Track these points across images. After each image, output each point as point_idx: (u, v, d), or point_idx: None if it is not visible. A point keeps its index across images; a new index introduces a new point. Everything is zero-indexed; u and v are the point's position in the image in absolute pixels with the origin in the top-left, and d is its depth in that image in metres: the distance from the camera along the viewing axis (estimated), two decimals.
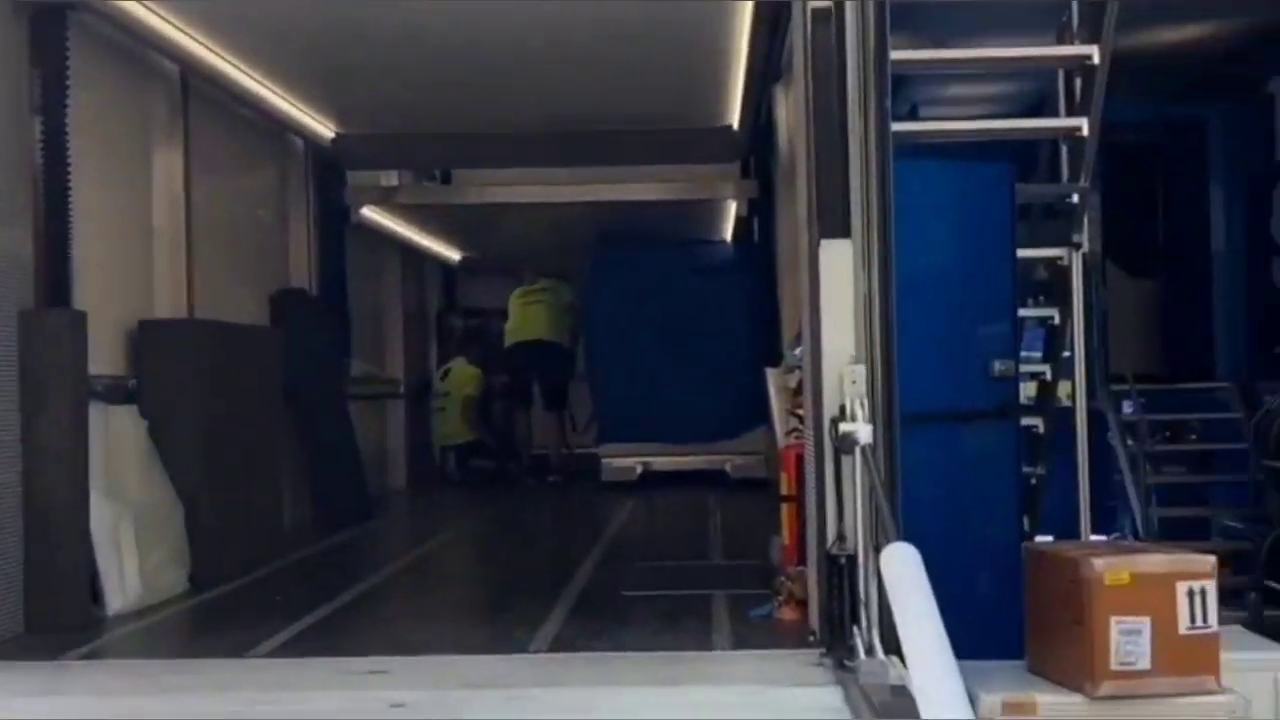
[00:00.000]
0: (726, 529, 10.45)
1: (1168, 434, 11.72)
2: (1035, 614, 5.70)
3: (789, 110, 9.29)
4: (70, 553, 6.63)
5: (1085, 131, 6.80)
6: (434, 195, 14.21)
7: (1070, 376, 7.34)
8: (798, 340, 6.84)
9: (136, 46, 8.26)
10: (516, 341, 15.20)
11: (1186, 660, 5.25)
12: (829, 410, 5.52)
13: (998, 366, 6.44)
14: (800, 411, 6.66)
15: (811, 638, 5.72)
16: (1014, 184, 6.64)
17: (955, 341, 6.41)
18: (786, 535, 6.83)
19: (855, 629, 5.33)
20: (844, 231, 5.61)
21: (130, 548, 7.02)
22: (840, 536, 5.48)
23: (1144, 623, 5.22)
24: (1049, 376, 7.40)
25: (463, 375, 16.00)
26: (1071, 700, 5.31)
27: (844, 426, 5.38)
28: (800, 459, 6.42)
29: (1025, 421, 7.08)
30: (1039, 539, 7.09)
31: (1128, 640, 5.21)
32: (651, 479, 13.93)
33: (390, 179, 13.66)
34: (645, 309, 13.98)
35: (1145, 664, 5.22)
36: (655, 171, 13.05)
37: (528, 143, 11.94)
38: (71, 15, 7.12)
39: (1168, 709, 5.23)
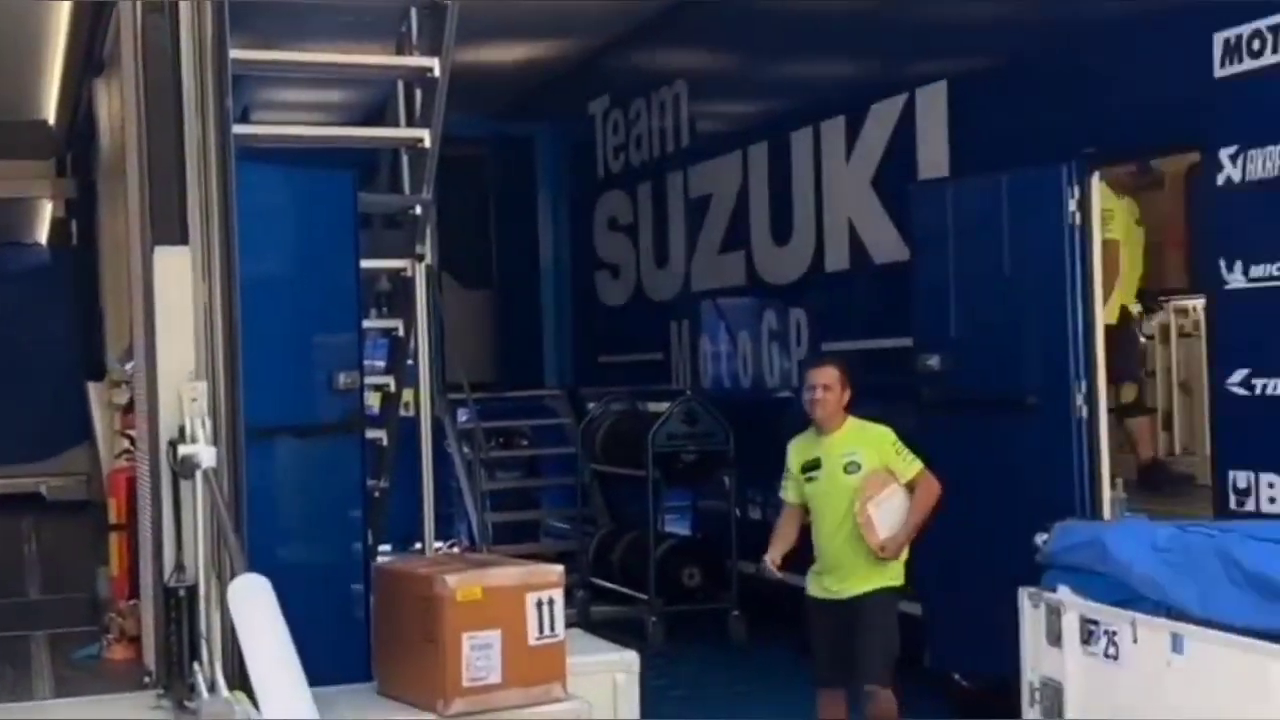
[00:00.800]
0: (45, 559, 9.73)
1: (501, 440, 12.14)
2: (385, 634, 5.59)
3: (112, 106, 8.70)
4: None
5: (427, 143, 6.78)
6: None
7: (414, 386, 7.31)
8: (129, 354, 6.37)
9: None
10: None
11: (535, 670, 5.32)
12: (167, 431, 5.23)
13: (343, 379, 6.28)
14: (132, 431, 6.22)
15: (147, 678, 5.42)
16: (357, 193, 6.51)
17: (299, 353, 6.19)
18: (116, 566, 6.42)
19: (196, 665, 5.07)
20: (182, 238, 5.31)
21: None
22: (179, 566, 5.21)
23: (495, 636, 5.23)
24: (393, 387, 7.34)
25: None
26: None
27: (184, 449, 5.10)
28: (132, 483, 6.06)
29: (370, 434, 6.97)
30: (381, 550, 7.03)
31: (479, 655, 5.21)
32: None
33: None
34: None
35: (496, 677, 5.23)
36: None
37: None
38: None
39: None
